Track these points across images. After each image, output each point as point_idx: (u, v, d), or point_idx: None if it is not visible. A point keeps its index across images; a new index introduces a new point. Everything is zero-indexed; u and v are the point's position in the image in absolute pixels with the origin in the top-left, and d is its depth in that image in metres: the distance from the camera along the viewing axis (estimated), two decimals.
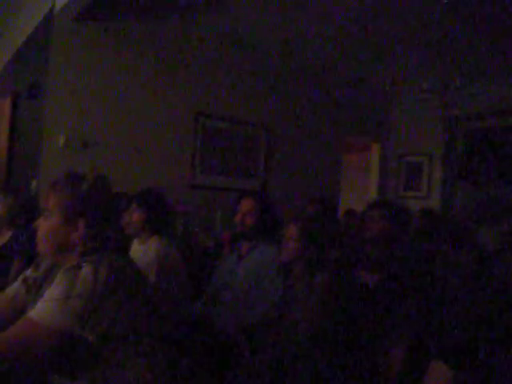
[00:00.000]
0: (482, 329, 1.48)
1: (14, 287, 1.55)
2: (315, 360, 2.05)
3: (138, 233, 2.61)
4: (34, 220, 2.88)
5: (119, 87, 4.27)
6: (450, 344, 1.53)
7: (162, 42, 4.50)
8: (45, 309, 1.24)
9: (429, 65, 5.10)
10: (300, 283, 2.22)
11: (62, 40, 3.99)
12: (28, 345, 1.23)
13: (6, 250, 2.96)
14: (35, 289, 1.49)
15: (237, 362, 2.01)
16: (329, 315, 2.09)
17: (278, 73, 5.39)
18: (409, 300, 2.57)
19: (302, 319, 2.08)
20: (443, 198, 6.31)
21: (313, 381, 2.01)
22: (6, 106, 4.73)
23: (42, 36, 4.18)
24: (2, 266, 2.89)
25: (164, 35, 4.50)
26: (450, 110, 4.33)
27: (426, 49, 4.76)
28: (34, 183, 4.01)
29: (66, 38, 4.01)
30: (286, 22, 4.43)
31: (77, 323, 1.23)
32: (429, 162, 6.38)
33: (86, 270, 1.27)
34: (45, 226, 1.41)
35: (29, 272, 1.56)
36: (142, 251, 2.55)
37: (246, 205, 2.52)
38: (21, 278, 1.56)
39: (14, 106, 4.66)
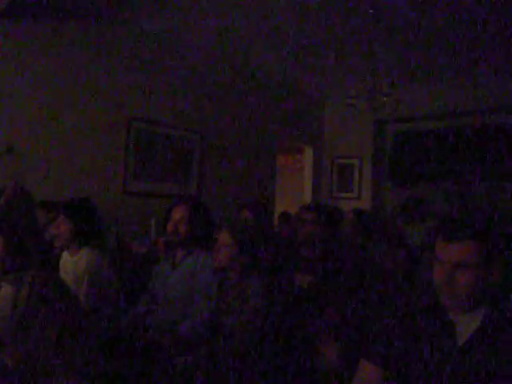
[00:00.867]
0: (398, 331, 1.55)
1: None
2: (251, 365, 2.07)
3: (68, 245, 2.51)
4: None
5: (48, 90, 4.09)
6: (376, 344, 1.59)
7: (93, 45, 4.36)
8: None
9: (357, 71, 5.28)
10: (234, 290, 2.23)
11: None
12: None
13: None
14: None
15: (171, 372, 1.98)
16: (264, 320, 2.11)
17: (212, 78, 5.38)
18: (341, 300, 2.65)
19: (237, 326, 2.09)
20: (373, 199, 6.56)
21: None
22: None
23: None
24: None
25: (95, 37, 4.37)
26: (378, 114, 4.50)
27: (354, 55, 4.94)
28: None
29: None
30: (221, 28, 4.44)
31: None
32: (360, 164, 6.61)
33: (6, 291, 1.21)
34: None
35: None
36: (73, 263, 2.46)
37: (178, 212, 2.49)
38: None
39: None
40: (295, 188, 7.48)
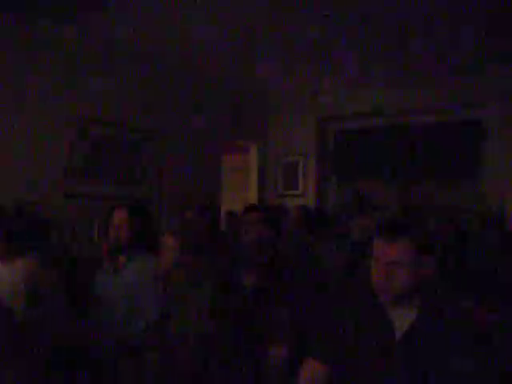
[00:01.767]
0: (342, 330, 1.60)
1: None
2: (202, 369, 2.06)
3: (1, 255, 2.39)
4: None
5: None
6: (320, 342, 1.63)
7: (38, 45, 4.17)
8: None
9: (300, 71, 5.36)
10: (181, 293, 2.21)
11: None
12: None
13: None
14: None
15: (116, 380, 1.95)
16: (213, 322, 2.11)
17: (157, 78, 5.28)
18: (287, 300, 2.68)
19: (184, 331, 2.08)
20: (318, 196, 6.68)
21: None
22: None
23: None
24: None
25: (41, 37, 4.18)
26: (321, 113, 4.59)
27: (297, 55, 5.00)
28: None
29: None
30: (168, 27, 4.38)
31: None
32: (304, 162, 6.71)
33: None
34: None
35: None
36: (8, 273, 2.35)
37: (119, 217, 2.44)
38: None
39: None
40: (241, 187, 7.50)
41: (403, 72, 5.53)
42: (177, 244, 2.19)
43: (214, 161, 6.11)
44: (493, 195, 5.22)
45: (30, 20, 4.09)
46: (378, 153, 6.21)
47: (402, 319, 1.52)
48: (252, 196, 6.93)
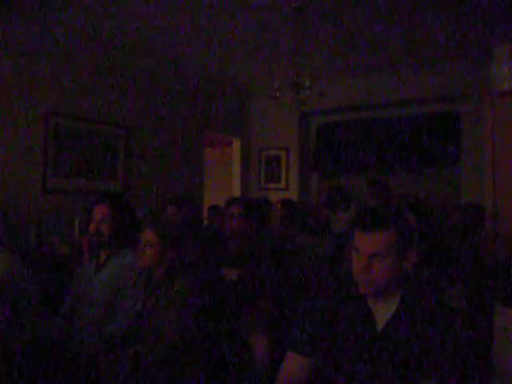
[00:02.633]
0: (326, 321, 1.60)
1: None
2: (181, 364, 2.06)
3: None
4: None
5: None
6: (301, 334, 1.63)
7: (7, 37, 4.08)
8: None
9: (280, 64, 5.36)
10: (161, 289, 2.20)
11: None
12: None
13: None
14: None
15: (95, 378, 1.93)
16: (191, 316, 2.10)
17: (137, 69, 5.23)
18: (270, 293, 2.70)
19: (164, 325, 2.06)
20: (301, 189, 6.71)
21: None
22: None
23: None
24: None
25: (10, 29, 4.08)
26: (302, 107, 4.59)
27: (277, 48, 4.99)
28: None
29: None
30: (144, 19, 4.32)
31: None
32: (286, 156, 6.73)
33: None
34: None
35: None
36: None
37: (100, 212, 2.41)
38: None
39: None
40: (224, 181, 7.49)
41: (383, 65, 5.58)
42: (157, 238, 2.17)
43: (197, 155, 6.08)
44: (470, 188, 5.30)
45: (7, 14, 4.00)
46: (360, 146, 6.26)
47: (383, 312, 1.53)
48: (235, 190, 6.93)
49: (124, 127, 5.09)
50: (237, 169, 7.00)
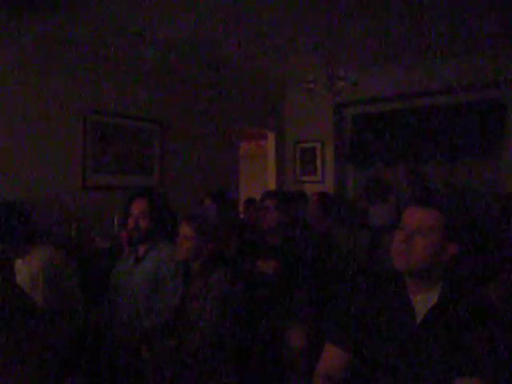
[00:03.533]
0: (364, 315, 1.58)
1: None
2: (218, 357, 2.07)
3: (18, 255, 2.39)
4: None
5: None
6: (339, 326, 1.62)
7: (45, 38, 4.19)
8: None
9: (315, 55, 5.30)
10: (199, 281, 2.22)
11: None
12: None
13: None
14: None
15: (137, 369, 1.97)
16: (227, 312, 2.11)
17: (171, 66, 5.29)
18: (307, 286, 2.68)
19: (201, 317, 2.09)
20: (336, 181, 6.64)
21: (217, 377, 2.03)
22: None
23: None
24: None
25: (48, 29, 4.19)
26: (337, 98, 4.54)
27: (312, 39, 4.93)
28: None
29: None
30: (177, 15, 4.35)
31: None
32: (322, 148, 6.67)
33: None
34: None
35: None
36: (26, 264, 2.38)
37: (138, 207, 2.45)
38: None
39: None
40: (260, 174, 7.49)
41: (421, 52, 5.43)
42: (193, 232, 2.19)
43: (232, 149, 6.11)
44: None
45: (47, 15, 4.10)
46: (397, 137, 6.12)
47: (424, 304, 1.50)
48: (270, 183, 6.92)
49: (159, 123, 5.17)
50: (272, 162, 6.99)
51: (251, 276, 2.63)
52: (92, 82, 4.56)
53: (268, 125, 6.82)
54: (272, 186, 6.86)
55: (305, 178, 6.83)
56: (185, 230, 2.20)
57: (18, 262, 2.41)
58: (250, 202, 5.02)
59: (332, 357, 1.62)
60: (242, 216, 4.96)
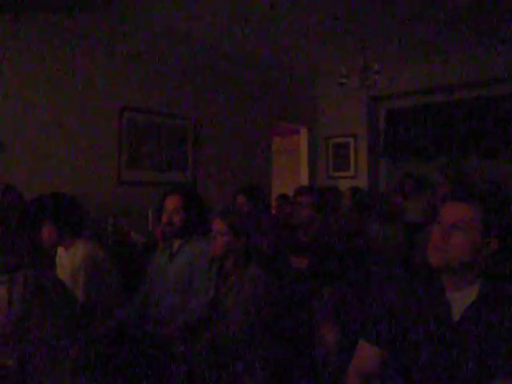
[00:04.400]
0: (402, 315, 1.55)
1: None
2: (253, 351, 2.08)
3: (56, 245, 2.47)
4: None
5: (37, 83, 4.03)
6: (374, 323, 1.60)
7: (82, 36, 4.29)
8: None
9: (348, 49, 5.23)
10: (232, 276, 2.24)
11: None
12: None
13: None
14: None
15: (173, 362, 2.00)
16: (262, 306, 2.12)
17: (203, 64, 5.33)
18: (338, 280, 2.67)
19: (235, 312, 2.10)
20: (370, 176, 6.55)
21: (250, 371, 2.04)
22: None
23: None
24: None
25: (84, 28, 4.29)
26: (370, 92, 4.48)
27: (344, 33, 4.87)
28: None
29: None
30: (208, 13, 4.37)
31: None
32: (355, 143, 6.59)
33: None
34: None
35: None
36: (69, 256, 2.45)
37: (172, 203, 2.48)
38: None
39: None
40: (292, 169, 7.47)
41: (456, 45, 5.28)
42: (226, 228, 2.21)
43: (264, 144, 6.11)
44: None
45: (82, 14, 4.19)
46: (431, 131, 5.99)
47: (461, 302, 1.46)
48: (303, 178, 6.89)
49: (192, 119, 5.21)
50: (304, 157, 6.96)
51: (284, 272, 2.63)
52: (127, 79, 4.64)
53: (300, 120, 6.79)
54: (304, 181, 6.84)
55: (338, 174, 6.77)
56: (218, 225, 2.22)
57: (60, 254, 2.48)
58: (282, 197, 5.00)
59: (366, 355, 1.60)
60: (274, 212, 4.95)
